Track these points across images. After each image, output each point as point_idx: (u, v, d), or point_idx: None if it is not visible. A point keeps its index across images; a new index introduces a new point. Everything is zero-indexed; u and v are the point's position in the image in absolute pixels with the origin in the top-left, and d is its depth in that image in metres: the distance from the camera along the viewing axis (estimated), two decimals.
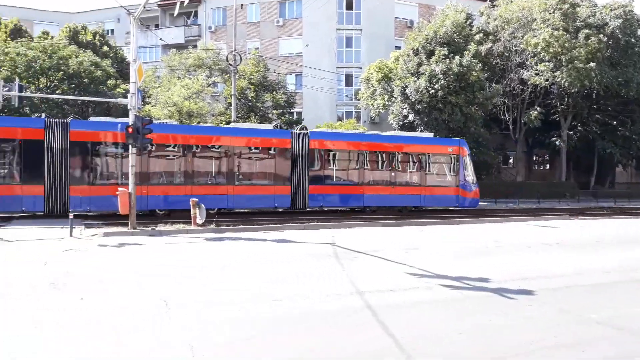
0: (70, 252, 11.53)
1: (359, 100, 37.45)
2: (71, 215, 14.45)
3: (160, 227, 15.49)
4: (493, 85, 30.85)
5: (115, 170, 18.98)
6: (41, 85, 27.85)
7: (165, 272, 9.51)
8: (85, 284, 8.41)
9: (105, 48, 33.96)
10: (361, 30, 40.13)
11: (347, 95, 41.43)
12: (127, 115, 24.07)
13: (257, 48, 39.18)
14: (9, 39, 30.95)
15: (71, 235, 13.92)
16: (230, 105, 29.15)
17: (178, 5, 16.57)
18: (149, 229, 15.32)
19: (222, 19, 42.75)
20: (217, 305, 7.22)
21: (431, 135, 26.36)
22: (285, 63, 37.71)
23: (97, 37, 34.84)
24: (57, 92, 27.19)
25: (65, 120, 18.65)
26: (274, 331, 6.23)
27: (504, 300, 7.84)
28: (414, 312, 7.19)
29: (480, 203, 25.77)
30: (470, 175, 24.18)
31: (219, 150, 20.33)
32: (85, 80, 28.11)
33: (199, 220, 15.88)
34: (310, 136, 21.74)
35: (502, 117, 34.89)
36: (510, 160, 42.69)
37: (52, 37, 33.19)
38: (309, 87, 37.43)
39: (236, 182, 20.24)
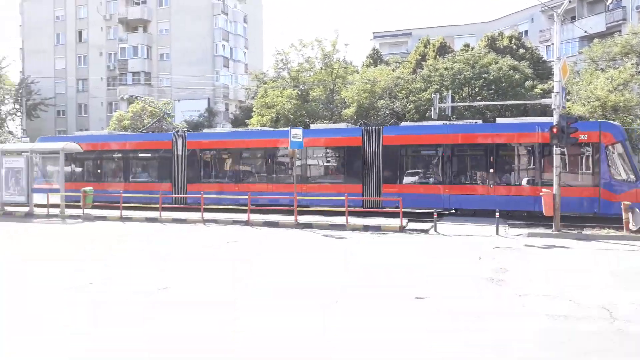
0: (499, 250, 12.22)
1: None
2: (497, 214, 15.29)
3: (587, 231, 14.64)
4: None
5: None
6: (464, 94, 30.46)
7: (601, 281, 8.93)
8: (519, 282, 8.77)
9: (521, 50, 34.38)
10: None
11: None
12: (543, 115, 23.92)
13: None
14: (437, 56, 35.19)
15: (497, 233, 14.73)
16: None
17: None
18: (575, 232, 14.67)
19: None
20: None
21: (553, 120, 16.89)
22: None
23: (513, 41, 35.62)
24: (477, 99, 29.23)
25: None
26: None
27: None
28: None
29: None
30: (621, 170, 17.40)
31: None
32: (504, 84, 29.18)
33: (633, 227, 14.21)
34: (383, 132, 20.40)
35: None
36: None
37: (472, 48, 35.80)
38: None
39: None
